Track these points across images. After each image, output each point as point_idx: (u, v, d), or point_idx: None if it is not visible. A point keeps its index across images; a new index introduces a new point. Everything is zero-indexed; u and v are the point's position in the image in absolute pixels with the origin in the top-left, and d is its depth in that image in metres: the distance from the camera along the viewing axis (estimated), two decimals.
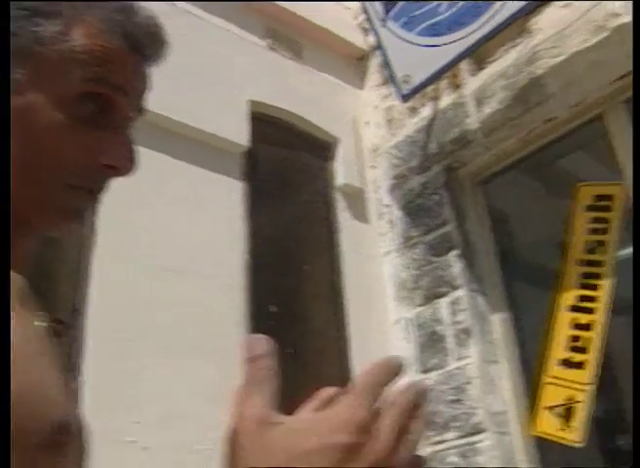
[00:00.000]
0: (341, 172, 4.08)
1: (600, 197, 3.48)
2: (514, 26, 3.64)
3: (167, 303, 2.97)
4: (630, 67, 3.38)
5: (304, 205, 3.94)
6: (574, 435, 3.30)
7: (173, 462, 2.70)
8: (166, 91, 3.39)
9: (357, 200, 4.14)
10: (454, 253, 3.71)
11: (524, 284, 4.06)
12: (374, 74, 4.54)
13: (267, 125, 3.93)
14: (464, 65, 3.89)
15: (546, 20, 3.57)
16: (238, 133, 3.65)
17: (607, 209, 3.45)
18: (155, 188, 3.17)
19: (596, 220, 3.47)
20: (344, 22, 4.58)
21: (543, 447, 3.47)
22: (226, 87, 3.70)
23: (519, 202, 4.23)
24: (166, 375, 2.82)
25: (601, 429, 3.78)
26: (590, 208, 3.50)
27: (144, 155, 2.85)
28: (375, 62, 4.50)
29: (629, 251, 3.35)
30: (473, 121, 3.75)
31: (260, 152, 3.81)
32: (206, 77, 3.64)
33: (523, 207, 4.20)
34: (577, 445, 3.31)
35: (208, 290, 3.20)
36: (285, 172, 3.95)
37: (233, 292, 3.31)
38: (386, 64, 3.92)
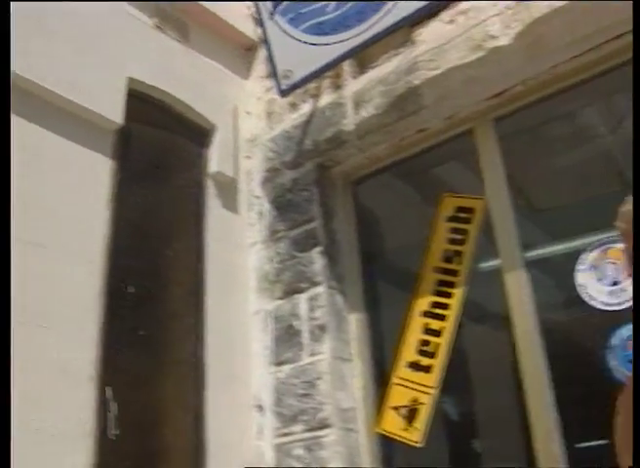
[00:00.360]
0: (215, 159, 4.06)
1: (461, 209, 3.62)
2: (399, 35, 3.72)
3: (24, 275, 2.88)
4: (503, 87, 3.54)
5: (175, 189, 3.89)
6: (414, 435, 3.43)
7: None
8: (42, 58, 3.31)
9: (229, 189, 4.12)
10: (317, 249, 3.75)
11: (388, 286, 4.15)
12: (260, 66, 4.53)
13: (145, 105, 3.85)
14: (348, 67, 3.95)
15: (430, 33, 3.66)
16: (113, 109, 3.56)
17: (467, 221, 3.58)
18: (23, 157, 3.06)
19: (455, 231, 3.60)
20: (236, 11, 4.54)
21: (392, 446, 3.56)
22: (106, 61, 3.61)
23: (392, 206, 4.30)
24: (17, 349, 2.73)
25: (455, 432, 3.93)
26: (451, 218, 3.63)
27: (15, 123, 2.76)
28: (262, 54, 4.49)
29: (492, 263, 3.48)
30: (349, 122, 3.80)
31: (135, 132, 3.73)
32: (87, 49, 3.54)
33: (395, 211, 4.28)
34: (417, 445, 3.43)
35: (67, 265, 3.13)
36: (159, 154, 3.89)
37: (93, 269, 3.25)
38: (270, 58, 3.93)
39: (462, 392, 4.07)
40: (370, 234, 4.10)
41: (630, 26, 3.18)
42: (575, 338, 3.60)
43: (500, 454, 3.61)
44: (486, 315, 3.79)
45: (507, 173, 3.61)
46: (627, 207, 1.66)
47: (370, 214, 4.21)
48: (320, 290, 3.67)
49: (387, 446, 3.60)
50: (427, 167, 4.18)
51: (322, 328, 3.60)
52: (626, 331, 2.99)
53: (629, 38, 3.22)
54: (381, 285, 4.05)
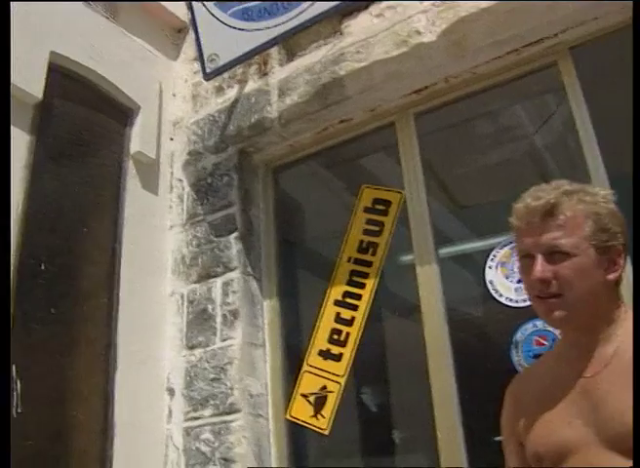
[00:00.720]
0: (137, 140, 4.00)
1: (379, 201, 3.65)
2: (329, 26, 3.74)
3: None
4: (425, 83, 3.59)
5: (95, 167, 3.83)
6: (321, 423, 3.46)
7: None
8: None
9: (149, 170, 4.07)
10: (234, 235, 3.74)
11: (307, 274, 4.18)
12: (190, 48, 4.49)
13: (68, 81, 3.78)
14: (276, 55, 3.95)
15: (358, 26, 3.67)
16: (33, 83, 3.47)
17: (384, 213, 3.62)
18: None
19: (372, 222, 3.64)
20: None
21: (306, 433, 3.59)
22: (30, 33, 3.53)
23: (316, 194, 4.32)
24: None
25: (372, 422, 3.98)
26: (369, 209, 3.67)
27: None
28: (192, 36, 4.44)
29: (411, 257, 3.53)
30: (273, 110, 3.80)
31: (56, 108, 3.66)
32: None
33: (319, 200, 4.30)
34: (323, 433, 3.46)
35: None
36: (79, 131, 3.81)
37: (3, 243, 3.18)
38: (197, 40, 3.91)
39: (383, 384, 4.13)
40: (290, 222, 4.11)
41: (551, 32, 3.30)
42: (482, 334, 3.68)
43: (415, 445, 3.67)
44: (407, 308, 3.84)
45: (432, 169, 3.67)
46: (521, 203, 1.70)
47: (292, 201, 4.23)
48: (235, 275, 3.67)
49: (301, 433, 3.63)
50: (354, 157, 4.21)
51: (235, 313, 3.60)
52: (531, 327, 3.07)
53: (550, 43, 3.32)
54: (300, 272, 4.07)
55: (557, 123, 3.64)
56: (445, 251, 3.86)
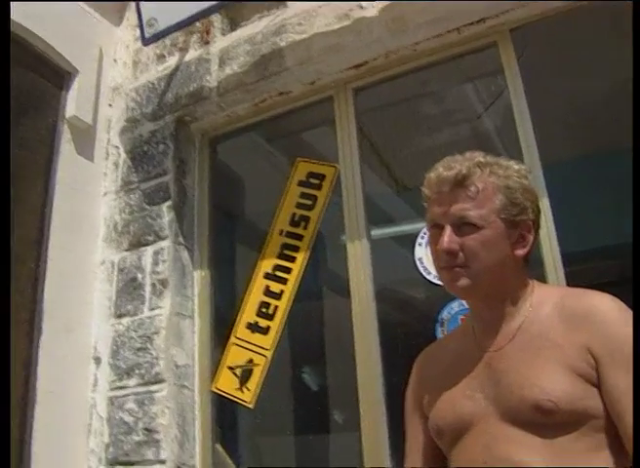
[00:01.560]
0: (74, 104, 3.90)
1: (313, 174, 3.63)
2: None
3: None
4: (365, 58, 3.56)
5: (29, 130, 3.74)
6: (246, 396, 3.45)
7: None
8: None
9: (85, 136, 3.98)
10: (167, 203, 3.69)
11: (240, 246, 4.14)
12: (134, 14, 4.38)
13: None
14: (218, 24, 3.90)
15: None
16: None
17: (317, 187, 3.60)
18: None
19: (306, 196, 3.61)
20: None
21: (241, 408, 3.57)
22: None
23: (255, 167, 4.28)
24: None
25: (311, 400, 3.97)
26: (303, 183, 3.64)
27: None
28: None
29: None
30: (213, 79, 3.75)
31: None
32: None
33: (259, 172, 4.25)
34: (248, 406, 3.45)
35: None
36: (13, 92, 3.73)
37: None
38: (137, 4, 3.83)
39: (319, 362, 4.12)
40: (227, 193, 4.07)
41: (492, 12, 3.30)
42: (410, 312, 3.68)
43: (346, 424, 3.68)
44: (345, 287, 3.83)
45: (375, 148, 3.66)
46: (433, 172, 1.68)
47: (230, 173, 4.18)
48: (166, 244, 3.62)
49: (233, 408, 3.61)
50: (294, 131, 4.17)
51: (164, 282, 3.56)
52: (457, 305, 3.07)
53: (491, 23, 3.31)
54: (234, 245, 4.04)
55: (503, 105, 3.64)
56: (387, 231, 3.87)
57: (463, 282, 1.59)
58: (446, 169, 1.63)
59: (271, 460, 3.95)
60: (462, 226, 1.59)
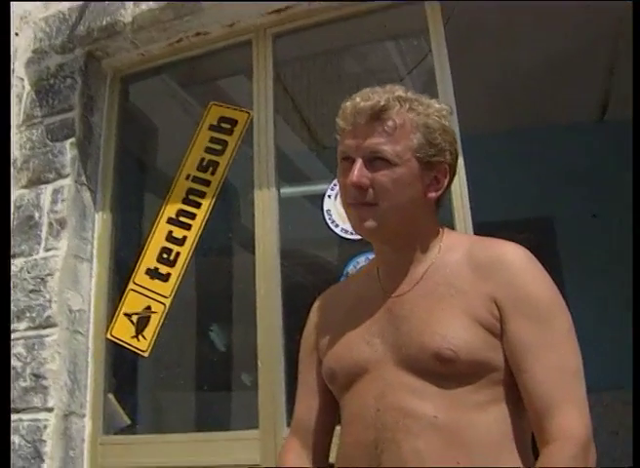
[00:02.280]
0: None
1: (225, 119, 3.51)
2: None
3: None
4: (287, 3, 3.45)
5: None
6: (142, 344, 3.34)
7: None
8: None
9: None
10: (71, 140, 3.51)
11: (150, 191, 4.00)
12: None
13: None
14: None
15: None
16: None
17: (229, 132, 3.48)
18: None
19: (216, 141, 3.50)
20: None
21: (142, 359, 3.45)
22: None
23: (168, 112, 4.13)
24: None
25: (217, 358, 3.87)
26: (214, 127, 3.52)
27: None
28: None
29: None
30: (127, 14, 3.56)
31: None
32: None
33: (171, 118, 4.11)
34: (143, 354, 3.34)
35: None
36: None
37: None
38: None
39: (228, 319, 4.05)
40: (137, 136, 3.92)
41: None
42: (316, 272, 3.62)
43: (248, 383, 3.60)
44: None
45: (295, 102, 3.54)
46: (349, 102, 1.58)
47: (141, 116, 4.03)
48: (66, 182, 3.45)
49: (135, 360, 3.50)
50: (212, 76, 4.03)
51: (62, 222, 3.39)
52: (363, 260, 3.01)
53: None
54: (141, 189, 3.90)
55: (427, 70, 3.57)
56: (300, 189, 3.80)
57: (370, 223, 1.51)
58: (363, 99, 1.54)
59: (170, 415, 3.86)
60: (375, 161, 1.51)
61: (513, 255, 1.47)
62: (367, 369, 1.50)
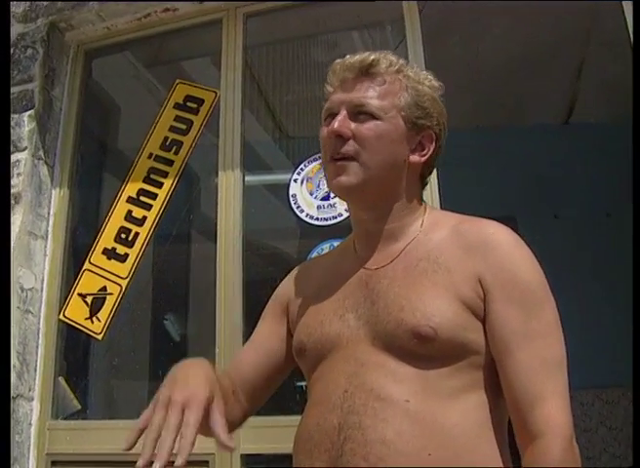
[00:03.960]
0: None
1: (191, 98, 3.43)
2: None
3: None
4: None
5: None
6: (96, 327, 3.25)
7: None
8: None
9: None
10: (29, 113, 3.38)
11: (107, 167, 3.89)
12: None
13: None
14: None
15: None
16: None
17: (194, 111, 3.40)
18: None
19: (181, 120, 3.41)
20: None
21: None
22: None
23: (132, 92, 4.02)
24: None
25: (173, 346, 3.77)
26: (179, 106, 3.43)
27: None
28: None
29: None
30: None
31: None
32: None
33: (135, 98, 4.01)
34: (97, 337, 3.24)
35: None
36: None
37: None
38: None
39: (185, 307, 3.97)
40: (98, 115, 3.80)
41: None
42: (278, 262, 3.56)
43: None
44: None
45: (260, 88, 3.46)
46: (340, 59, 1.50)
47: (104, 95, 3.91)
48: (23, 156, 3.32)
49: (90, 345, 3.40)
50: (179, 56, 3.94)
51: (17, 197, 3.27)
52: (328, 247, 2.94)
53: None
54: (100, 168, 3.78)
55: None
56: (264, 178, 3.73)
57: (346, 179, 1.42)
58: (354, 56, 1.48)
59: (123, 401, 3.76)
60: (359, 114, 1.42)
61: (504, 236, 1.39)
62: (338, 345, 1.40)
